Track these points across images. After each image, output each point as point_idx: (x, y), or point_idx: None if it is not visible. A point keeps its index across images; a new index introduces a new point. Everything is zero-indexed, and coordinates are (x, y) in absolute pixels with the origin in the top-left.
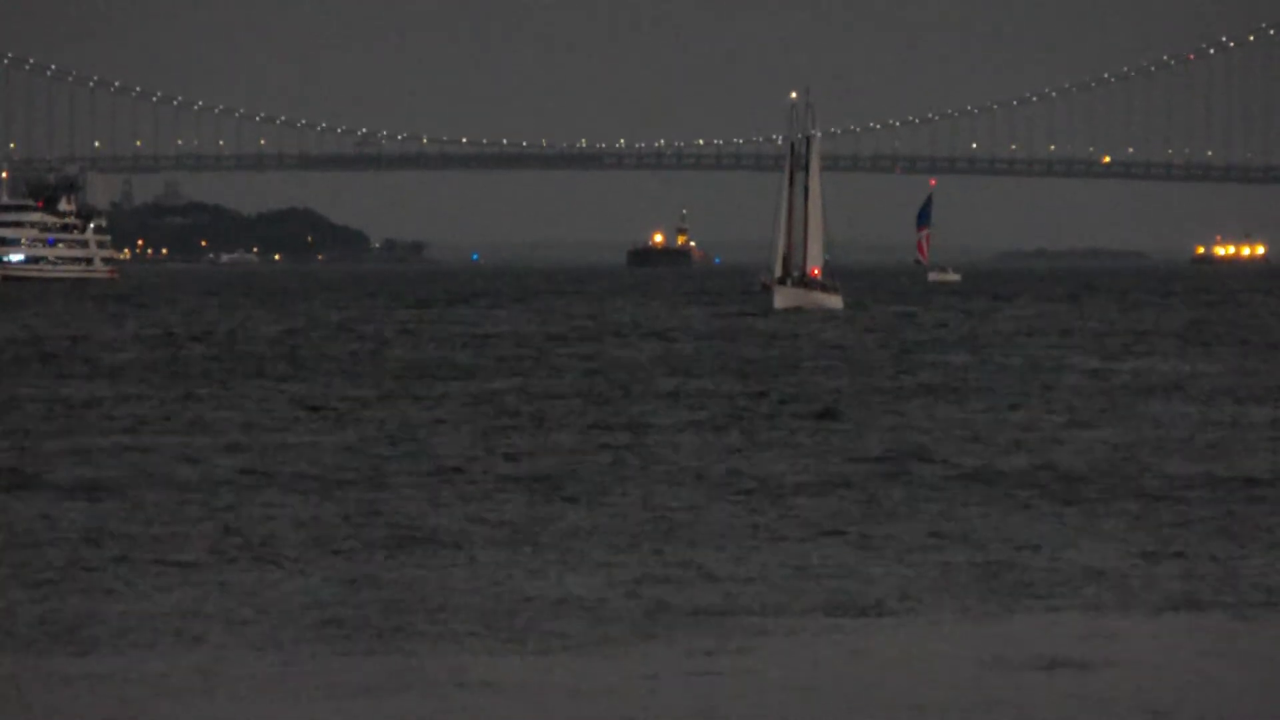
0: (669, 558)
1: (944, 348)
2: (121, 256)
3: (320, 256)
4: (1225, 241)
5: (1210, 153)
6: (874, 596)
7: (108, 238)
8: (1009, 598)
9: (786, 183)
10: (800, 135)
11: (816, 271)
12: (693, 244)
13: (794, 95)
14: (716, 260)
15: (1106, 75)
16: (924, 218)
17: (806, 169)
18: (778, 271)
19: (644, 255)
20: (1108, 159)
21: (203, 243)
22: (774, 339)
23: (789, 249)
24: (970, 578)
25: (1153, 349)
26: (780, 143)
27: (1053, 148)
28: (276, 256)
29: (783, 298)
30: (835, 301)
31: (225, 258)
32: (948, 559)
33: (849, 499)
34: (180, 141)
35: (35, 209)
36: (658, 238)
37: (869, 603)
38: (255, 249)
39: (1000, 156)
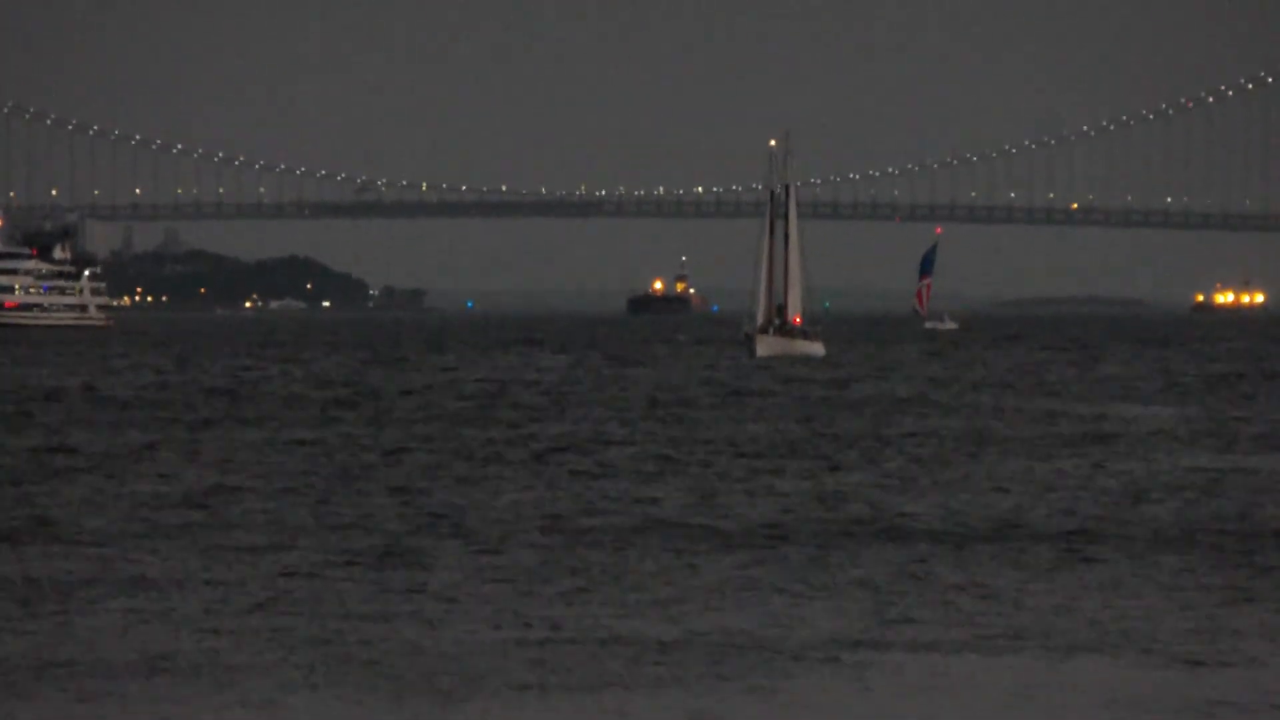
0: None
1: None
2: (120, 304)
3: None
4: (1225, 289)
5: (1210, 200)
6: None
7: (102, 285)
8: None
9: (767, 231)
10: (779, 183)
11: (798, 320)
12: (692, 291)
13: (773, 143)
14: (714, 308)
15: (1105, 123)
16: (927, 266)
17: (786, 216)
18: (759, 320)
19: (644, 303)
20: (1075, 205)
21: (202, 290)
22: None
23: (769, 297)
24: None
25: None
26: (773, 189)
27: (1052, 196)
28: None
29: (765, 346)
30: (817, 349)
31: (274, 304)
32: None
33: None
34: (180, 189)
35: (29, 256)
36: (657, 285)
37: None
38: (253, 298)
39: (1000, 204)
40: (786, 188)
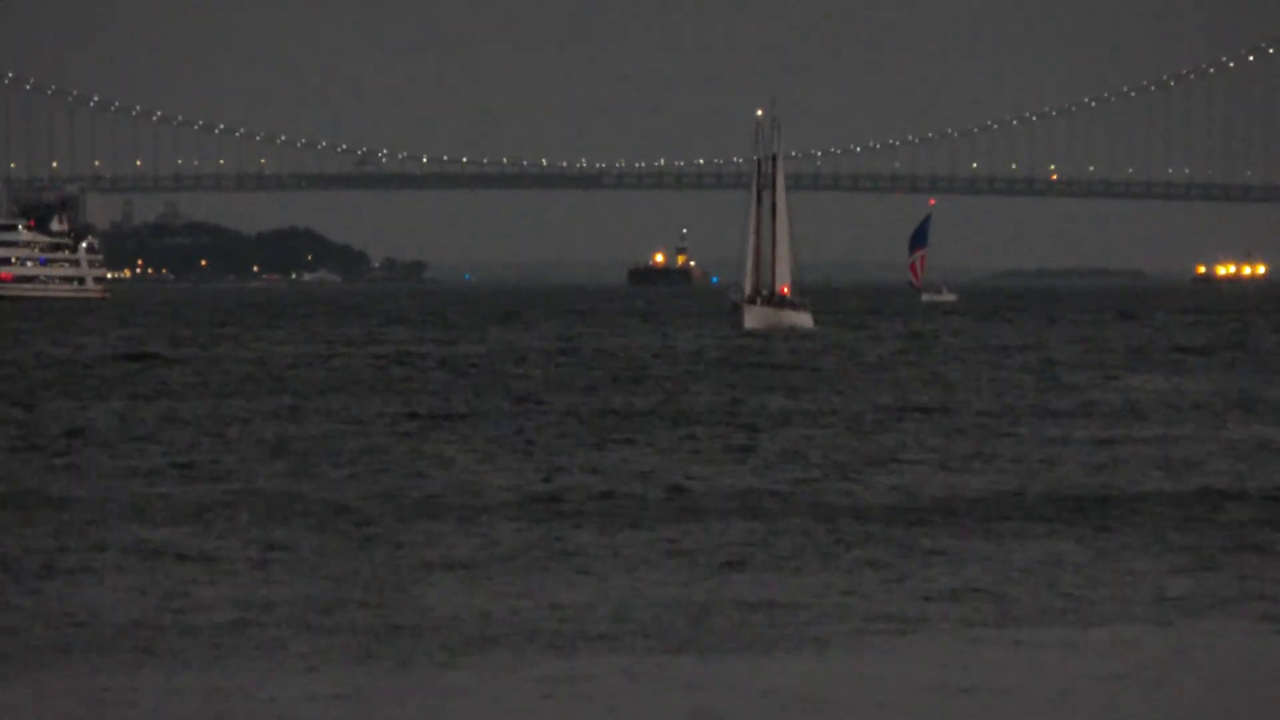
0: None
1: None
2: (120, 276)
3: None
4: (1226, 261)
5: (1210, 172)
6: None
7: (100, 257)
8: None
9: (754, 201)
10: (767, 153)
11: (786, 290)
12: (692, 264)
13: (760, 112)
14: (714, 280)
15: (1106, 94)
16: (921, 238)
17: (774, 187)
18: (747, 290)
19: (645, 275)
20: (1055, 175)
21: (203, 262)
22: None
23: (757, 268)
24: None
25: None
26: (760, 159)
27: (1052, 167)
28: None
29: (753, 317)
30: (805, 320)
31: (308, 276)
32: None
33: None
34: (180, 161)
35: (26, 228)
36: (658, 257)
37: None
38: (256, 270)
39: (1000, 176)
40: (774, 158)
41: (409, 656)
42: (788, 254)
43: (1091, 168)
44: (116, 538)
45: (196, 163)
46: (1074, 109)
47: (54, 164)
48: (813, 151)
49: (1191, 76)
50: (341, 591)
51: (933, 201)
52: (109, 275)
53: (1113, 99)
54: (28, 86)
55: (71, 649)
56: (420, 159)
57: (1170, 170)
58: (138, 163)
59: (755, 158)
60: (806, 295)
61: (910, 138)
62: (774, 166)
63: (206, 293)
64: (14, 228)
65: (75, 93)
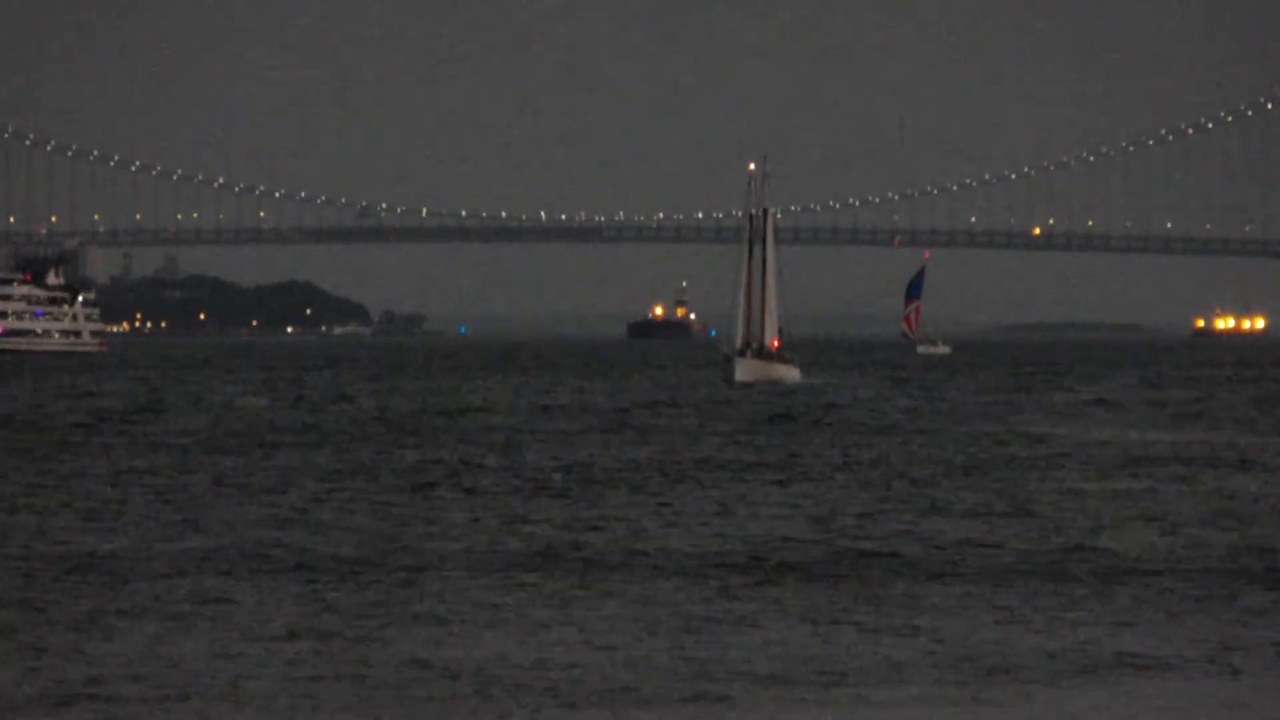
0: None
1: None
2: (119, 330)
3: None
4: (1225, 314)
5: (1209, 226)
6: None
7: (96, 310)
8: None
9: (745, 254)
10: (758, 206)
11: (776, 343)
12: (692, 316)
13: (752, 166)
14: (712, 332)
15: (1105, 149)
16: (914, 290)
17: (765, 240)
18: (738, 343)
19: (644, 328)
20: (1038, 230)
21: (201, 316)
22: None
23: (748, 320)
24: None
25: None
26: (752, 212)
27: (1051, 221)
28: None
29: (744, 370)
30: (794, 374)
31: (338, 330)
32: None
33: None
34: (180, 215)
35: (22, 282)
36: (658, 310)
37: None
38: (254, 321)
39: (998, 230)
40: (765, 211)
41: (407, 706)
42: (776, 307)
43: (1090, 222)
44: (125, 590)
45: (196, 216)
46: (1072, 163)
47: (53, 218)
48: (811, 205)
49: (1190, 131)
50: (345, 640)
51: (927, 254)
52: (108, 329)
53: (1111, 153)
54: (28, 141)
55: (81, 703)
56: (419, 212)
57: (1169, 224)
58: (137, 216)
59: (750, 211)
60: (795, 349)
61: (909, 191)
62: (765, 219)
63: (240, 346)
64: (9, 282)
65: (75, 147)
